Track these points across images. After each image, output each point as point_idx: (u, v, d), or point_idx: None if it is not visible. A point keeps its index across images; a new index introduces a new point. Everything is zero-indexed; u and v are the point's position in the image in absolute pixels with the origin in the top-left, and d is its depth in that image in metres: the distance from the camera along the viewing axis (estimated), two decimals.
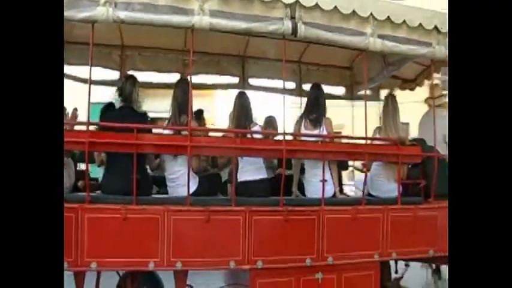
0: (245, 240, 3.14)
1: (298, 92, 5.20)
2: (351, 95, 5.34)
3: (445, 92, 4.42)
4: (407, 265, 4.57)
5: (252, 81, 5.06)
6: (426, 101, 4.51)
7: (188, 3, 3.06)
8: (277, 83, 5.21)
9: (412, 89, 5.20)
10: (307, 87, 5.23)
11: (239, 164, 3.43)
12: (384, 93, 5.25)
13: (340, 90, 5.40)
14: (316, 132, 3.55)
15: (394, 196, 3.65)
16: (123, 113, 3.28)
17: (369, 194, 3.80)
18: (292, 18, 3.27)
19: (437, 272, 4.93)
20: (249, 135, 3.42)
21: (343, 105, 5.64)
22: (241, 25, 3.19)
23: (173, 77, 4.82)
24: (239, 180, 3.37)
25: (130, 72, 4.66)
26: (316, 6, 3.31)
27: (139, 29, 3.53)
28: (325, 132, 3.55)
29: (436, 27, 3.64)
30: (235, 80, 5.02)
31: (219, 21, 3.13)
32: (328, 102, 3.91)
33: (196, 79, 4.97)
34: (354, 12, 3.41)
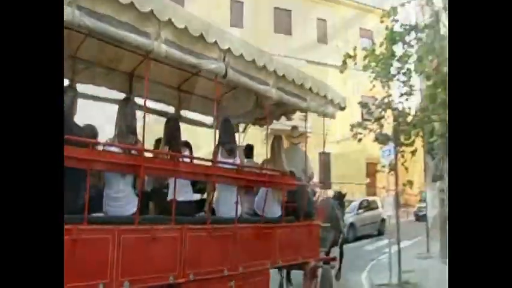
0: (181, 255, 3.42)
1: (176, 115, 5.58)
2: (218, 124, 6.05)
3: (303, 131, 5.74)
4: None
5: (138, 100, 5.13)
6: (287, 138, 5.68)
7: (146, 26, 3.19)
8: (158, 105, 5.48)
9: (261, 126, 6.35)
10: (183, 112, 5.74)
11: (169, 185, 3.66)
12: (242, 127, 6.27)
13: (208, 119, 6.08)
14: (231, 160, 4.13)
15: (277, 216, 4.57)
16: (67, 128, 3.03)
17: (255, 214, 4.60)
18: (223, 62, 3.83)
19: (288, 276, 6.12)
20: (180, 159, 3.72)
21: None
22: (191, 59, 3.55)
23: None
24: (170, 199, 3.59)
25: None
26: (241, 56, 3.99)
27: None
28: (238, 161, 4.18)
29: (310, 88, 4.87)
30: (121, 95, 4.99)
31: (174, 52, 3.40)
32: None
33: (84, 89, 4.73)
34: (264, 66, 4.24)
